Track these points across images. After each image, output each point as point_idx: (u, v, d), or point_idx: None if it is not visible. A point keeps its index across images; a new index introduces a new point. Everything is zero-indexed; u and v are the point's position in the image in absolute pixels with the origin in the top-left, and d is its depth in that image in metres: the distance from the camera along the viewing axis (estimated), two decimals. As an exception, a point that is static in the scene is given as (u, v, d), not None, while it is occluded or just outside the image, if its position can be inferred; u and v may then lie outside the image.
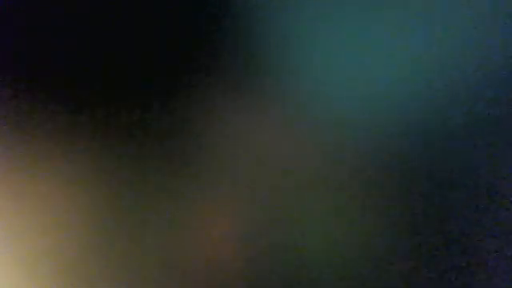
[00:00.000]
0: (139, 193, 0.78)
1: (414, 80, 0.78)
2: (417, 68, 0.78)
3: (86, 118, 0.79)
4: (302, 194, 0.77)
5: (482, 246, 0.77)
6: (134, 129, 0.78)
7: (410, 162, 0.77)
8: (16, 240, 0.78)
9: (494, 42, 0.78)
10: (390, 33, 0.78)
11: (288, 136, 0.78)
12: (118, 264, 0.78)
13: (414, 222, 0.77)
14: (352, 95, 0.78)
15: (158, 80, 0.78)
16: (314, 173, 0.77)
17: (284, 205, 0.77)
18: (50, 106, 0.79)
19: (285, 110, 0.78)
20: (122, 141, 0.78)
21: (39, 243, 0.78)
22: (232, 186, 0.78)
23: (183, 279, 0.78)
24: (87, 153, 0.78)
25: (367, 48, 0.78)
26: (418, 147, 0.77)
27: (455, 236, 0.77)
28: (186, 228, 0.78)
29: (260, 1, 0.79)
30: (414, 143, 0.77)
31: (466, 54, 0.78)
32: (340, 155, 0.77)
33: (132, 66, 0.79)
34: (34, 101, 0.79)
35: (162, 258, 0.78)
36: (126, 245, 0.78)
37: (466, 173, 0.77)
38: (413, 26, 0.78)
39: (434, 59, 0.78)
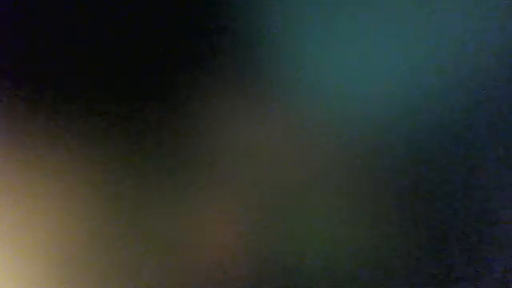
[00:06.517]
0: (139, 193, 0.78)
1: (415, 81, 0.78)
2: (417, 69, 0.78)
3: (85, 119, 0.79)
4: (302, 194, 0.77)
5: (482, 247, 0.77)
6: (134, 129, 0.78)
7: (410, 162, 0.77)
8: (16, 240, 0.79)
9: (495, 42, 0.78)
10: (390, 33, 0.78)
11: (288, 136, 0.78)
12: (118, 264, 0.78)
13: (415, 222, 0.77)
14: (353, 96, 0.78)
15: (158, 80, 0.78)
16: (314, 173, 0.77)
17: (284, 205, 0.77)
18: (50, 106, 0.79)
19: (285, 109, 0.78)
20: (121, 141, 0.78)
21: (39, 243, 0.78)
22: (232, 186, 0.78)
23: (183, 279, 0.78)
24: (87, 153, 0.78)
25: (367, 49, 0.78)
26: (418, 147, 0.77)
27: (455, 236, 0.77)
28: (186, 228, 0.78)
29: (260, 1, 0.79)
30: (415, 143, 0.78)
31: (467, 54, 0.78)
32: (340, 155, 0.78)
33: (131, 67, 0.79)
34: (34, 101, 0.79)
35: (162, 258, 0.78)
36: (126, 245, 0.78)
37: (467, 172, 0.77)
38: (413, 27, 0.78)
39: (435, 60, 0.78)
